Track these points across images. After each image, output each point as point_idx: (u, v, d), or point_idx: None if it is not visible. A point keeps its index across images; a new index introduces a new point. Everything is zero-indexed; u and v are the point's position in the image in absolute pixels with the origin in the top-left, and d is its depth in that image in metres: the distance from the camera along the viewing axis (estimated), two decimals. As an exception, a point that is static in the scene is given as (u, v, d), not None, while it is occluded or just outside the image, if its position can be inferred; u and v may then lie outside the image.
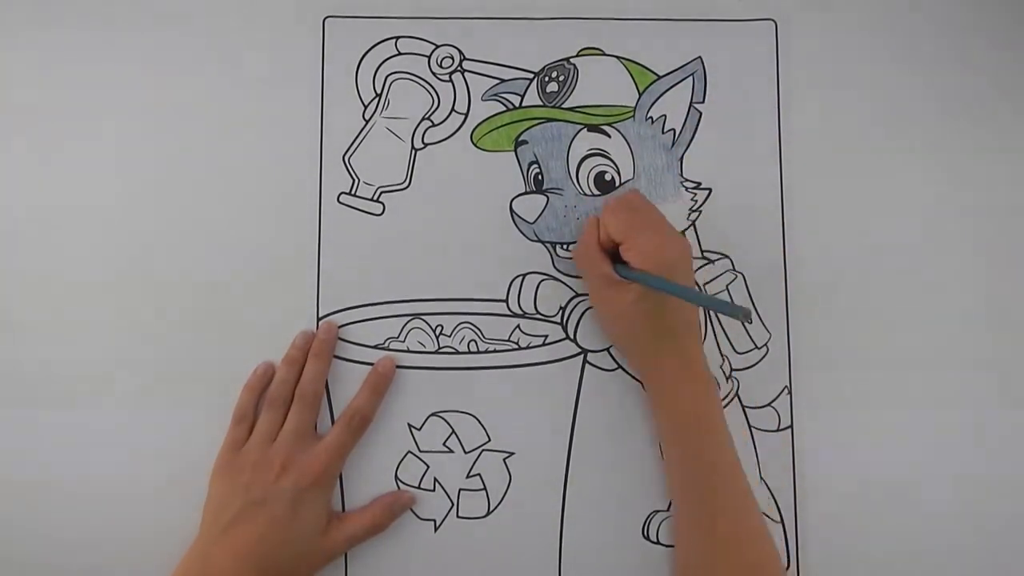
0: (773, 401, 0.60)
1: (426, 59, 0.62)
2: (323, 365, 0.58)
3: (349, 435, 0.57)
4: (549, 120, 0.61)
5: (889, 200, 0.62)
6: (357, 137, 0.61)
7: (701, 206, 0.61)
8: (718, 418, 0.54)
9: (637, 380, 0.59)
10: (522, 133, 0.61)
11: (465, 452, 0.59)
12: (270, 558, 0.53)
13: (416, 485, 0.59)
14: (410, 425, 0.59)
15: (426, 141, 0.61)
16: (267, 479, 0.54)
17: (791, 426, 0.60)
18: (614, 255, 0.56)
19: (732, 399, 0.60)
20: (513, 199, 0.61)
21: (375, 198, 0.61)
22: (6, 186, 0.60)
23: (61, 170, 0.61)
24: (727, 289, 0.60)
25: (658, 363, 0.55)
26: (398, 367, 0.59)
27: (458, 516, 0.59)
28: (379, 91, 0.61)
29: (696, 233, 0.61)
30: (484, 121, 0.61)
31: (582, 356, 0.60)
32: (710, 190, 0.61)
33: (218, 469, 0.57)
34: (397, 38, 0.62)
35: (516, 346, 0.60)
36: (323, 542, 0.55)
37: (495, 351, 0.60)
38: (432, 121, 0.61)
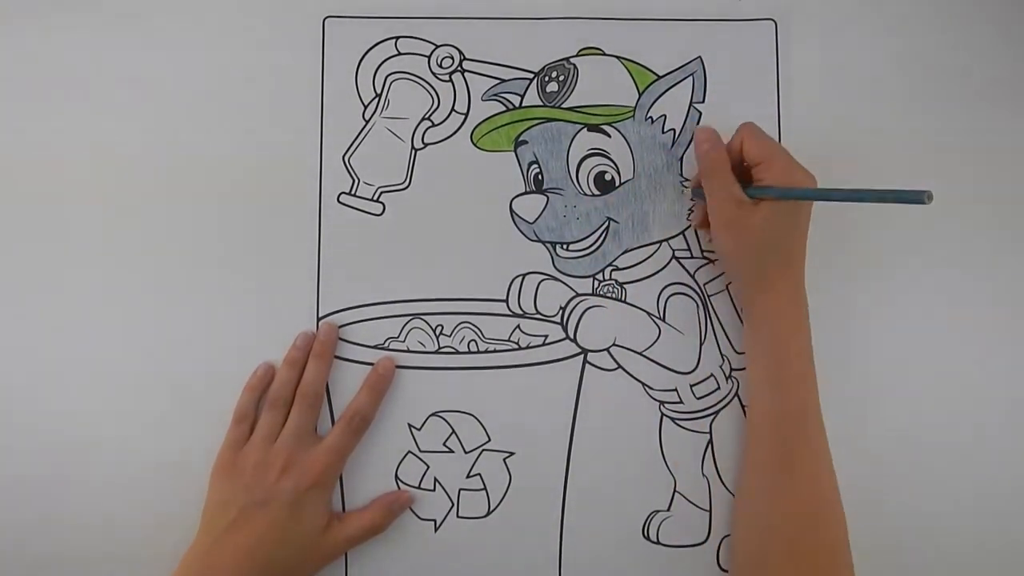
0: (773, 401, 0.60)
1: (426, 59, 0.62)
2: (324, 366, 0.58)
3: (350, 436, 0.57)
4: (549, 120, 0.61)
5: (893, 207, 0.61)
6: (357, 137, 0.61)
7: (701, 206, 0.61)
8: (812, 357, 0.55)
9: (638, 380, 0.60)
10: (522, 133, 0.61)
11: (465, 452, 0.59)
12: (270, 558, 0.53)
13: (416, 485, 0.59)
14: (410, 425, 0.59)
15: (426, 141, 0.61)
16: (268, 480, 0.54)
17: (791, 426, 0.60)
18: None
19: (732, 399, 0.60)
20: (513, 199, 0.61)
21: (375, 198, 0.61)
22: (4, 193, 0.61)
23: (61, 171, 0.61)
24: (727, 289, 0.60)
25: (773, 285, 0.55)
26: (398, 367, 0.59)
27: (458, 516, 0.59)
28: (379, 91, 0.61)
29: (696, 233, 0.61)
30: (484, 121, 0.61)
31: (582, 356, 0.60)
32: (710, 190, 0.61)
33: (218, 469, 0.57)
34: (397, 38, 0.62)
35: (516, 346, 0.60)
36: (323, 542, 0.55)
37: (495, 351, 0.60)
38: (432, 121, 0.61)
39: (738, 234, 0.55)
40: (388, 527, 0.58)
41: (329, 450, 0.56)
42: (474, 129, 0.61)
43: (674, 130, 0.61)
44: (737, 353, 0.60)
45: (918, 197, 0.43)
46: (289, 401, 0.58)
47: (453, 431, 0.59)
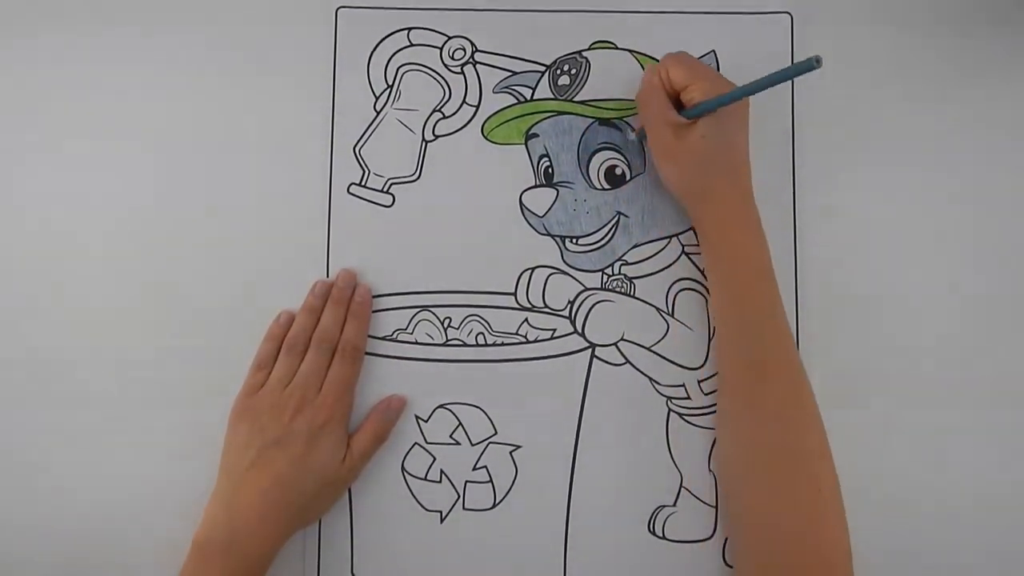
0: (781, 398, 0.60)
1: (438, 51, 0.62)
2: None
3: (347, 366, 0.58)
4: (560, 113, 0.61)
5: (904, 202, 0.61)
6: (368, 128, 0.61)
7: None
8: (770, 262, 0.55)
9: (646, 375, 0.59)
10: (533, 126, 0.61)
11: (472, 444, 0.59)
12: (294, 491, 0.55)
13: (423, 477, 0.59)
14: (417, 417, 0.59)
15: (437, 133, 0.61)
16: (282, 420, 0.56)
17: (799, 424, 0.60)
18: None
19: (740, 396, 0.60)
20: (523, 192, 0.61)
21: (385, 190, 0.61)
22: (14, 180, 0.61)
23: (69, 165, 0.61)
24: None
25: (720, 197, 0.56)
26: (406, 359, 0.59)
27: (464, 508, 0.59)
28: (391, 82, 0.61)
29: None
30: (495, 114, 0.61)
31: (590, 351, 0.60)
32: (721, 185, 0.61)
33: (235, 413, 0.58)
34: (409, 29, 0.62)
35: (524, 340, 0.60)
36: (342, 470, 0.56)
37: (503, 344, 0.60)
38: (443, 113, 0.61)
39: (679, 156, 0.56)
40: (390, 432, 0.59)
41: (334, 385, 0.57)
42: (485, 122, 0.61)
43: (686, 125, 0.61)
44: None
45: (807, 65, 0.47)
46: (305, 346, 0.58)
47: (460, 423, 0.59)
